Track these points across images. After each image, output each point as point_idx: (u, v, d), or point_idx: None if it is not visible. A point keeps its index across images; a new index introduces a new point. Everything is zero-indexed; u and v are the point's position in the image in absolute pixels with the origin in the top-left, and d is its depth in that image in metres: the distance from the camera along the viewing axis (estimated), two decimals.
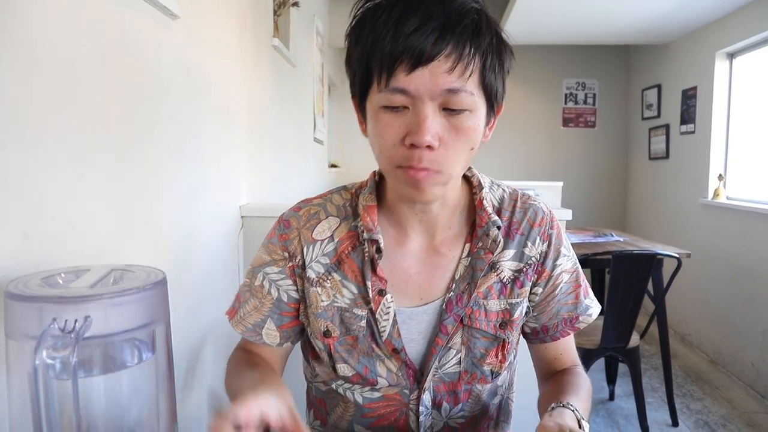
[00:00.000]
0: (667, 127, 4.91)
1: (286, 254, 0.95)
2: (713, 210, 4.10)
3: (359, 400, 0.97)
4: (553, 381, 1.00)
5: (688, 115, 4.52)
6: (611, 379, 3.25)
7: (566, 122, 5.92)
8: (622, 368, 3.24)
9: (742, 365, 3.63)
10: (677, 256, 2.64)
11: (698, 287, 4.20)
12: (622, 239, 3.38)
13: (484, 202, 0.94)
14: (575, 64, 5.82)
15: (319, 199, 0.99)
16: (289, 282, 0.96)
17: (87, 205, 1.02)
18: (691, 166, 4.49)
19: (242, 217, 2.00)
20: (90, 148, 1.04)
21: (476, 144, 0.84)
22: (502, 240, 0.94)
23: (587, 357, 2.62)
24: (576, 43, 5.29)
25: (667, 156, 4.93)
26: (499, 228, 0.93)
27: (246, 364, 0.94)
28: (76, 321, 0.53)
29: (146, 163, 1.27)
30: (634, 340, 2.69)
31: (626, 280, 2.55)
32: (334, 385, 0.99)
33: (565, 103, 5.91)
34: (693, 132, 4.45)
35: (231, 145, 1.95)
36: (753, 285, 3.55)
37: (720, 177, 4.05)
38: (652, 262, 2.54)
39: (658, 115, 5.10)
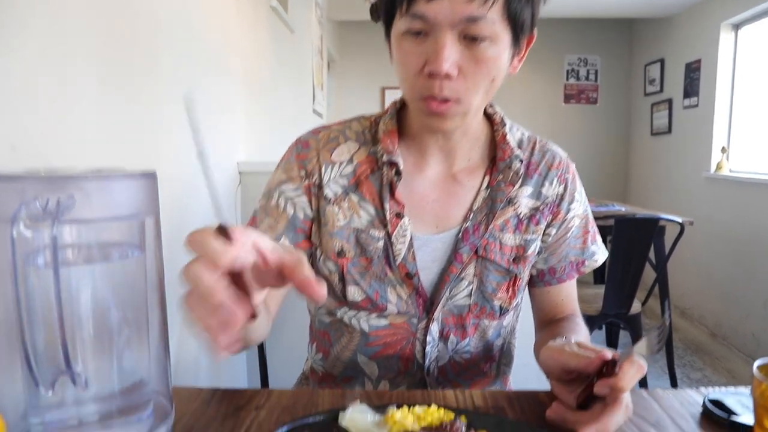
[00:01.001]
0: (669, 101, 4.87)
1: (303, 172, 0.94)
2: (716, 183, 4.07)
3: (365, 327, 0.95)
4: (552, 325, 0.99)
5: (691, 89, 4.47)
6: (612, 347, 3.24)
7: (568, 99, 5.87)
8: (623, 338, 3.24)
9: (743, 336, 3.62)
10: (680, 221, 2.61)
11: (700, 260, 4.18)
12: (624, 209, 3.35)
13: (507, 136, 0.94)
14: (577, 40, 5.76)
15: (338, 125, 0.98)
16: (305, 200, 0.94)
17: (77, 134, 1.00)
18: (693, 140, 4.45)
19: (240, 173, 1.97)
20: (83, 73, 1.01)
21: (499, 75, 0.83)
22: (523, 171, 0.94)
23: (588, 324, 2.57)
24: (578, 16, 5.23)
25: (669, 131, 4.89)
26: (521, 162, 0.93)
27: None
28: (58, 198, 0.50)
29: (144, 99, 1.24)
30: (636, 307, 2.67)
31: (628, 246, 2.53)
32: (338, 314, 0.97)
33: (567, 80, 5.86)
34: (696, 106, 4.40)
35: (228, 101, 1.92)
36: (755, 256, 3.53)
37: (723, 150, 4.01)
38: (655, 227, 2.51)
39: (661, 90, 5.05)
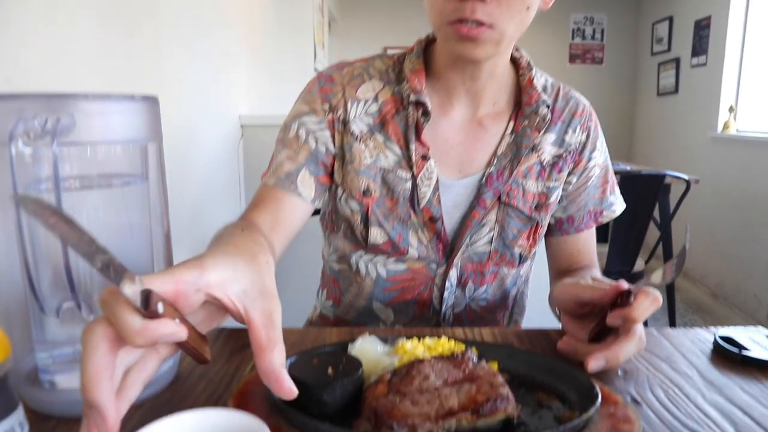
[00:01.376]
0: (677, 60, 4.78)
1: (327, 106, 0.90)
2: (722, 142, 4.03)
3: (382, 272, 0.94)
4: (568, 275, 0.97)
5: (700, 47, 4.39)
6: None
7: (573, 59, 5.78)
8: None
9: (745, 296, 3.63)
10: (686, 178, 2.59)
11: (703, 220, 4.17)
12: (629, 167, 3.32)
13: (534, 81, 0.91)
14: None
15: (361, 62, 0.94)
16: (328, 134, 0.90)
17: (73, 66, 0.97)
18: (701, 100, 4.38)
19: (242, 126, 1.94)
20: (81, 6, 0.98)
21: (533, 4, 0.79)
22: (550, 118, 0.91)
23: None
24: None
25: (676, 91, 4.82)
26: (548, 107, 0.90)
27: (231, 227, 0.72)
28: (57, 117, 0.48)
29: (144, 34, 1.21)
30: (639, 265, 2.67)
31: (633, 204, 2.50)
32: (353, 259, 0.95)
33: (572, 39, 5.75)
34: (705, 64, 4.33)
35: (229, 53, 1.88)
36: (759, 216, 3.51)
37: (731, 109, 3.96)
38: (661, 183, 2.49)
39: (668, 49, 4.96)
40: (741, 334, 0.76)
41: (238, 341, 0.76)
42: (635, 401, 0.60)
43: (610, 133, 5.84)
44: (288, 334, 0.78)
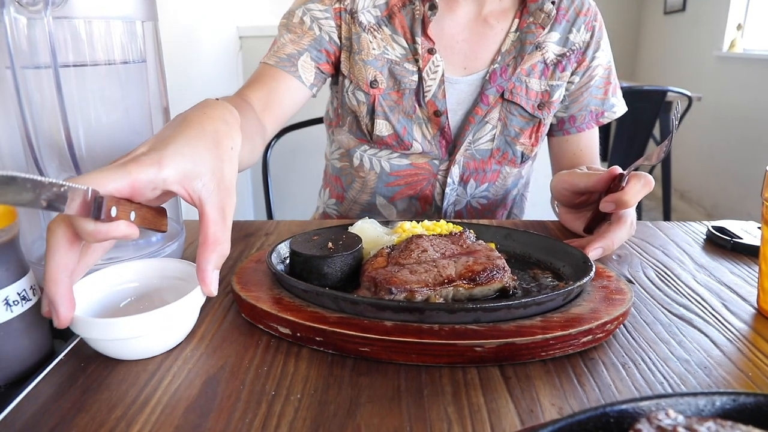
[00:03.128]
0: None
1: None
2: (727, 62, 3.94)
3: (386, 167, 0.95)
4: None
5: None
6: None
7: None
8: None
9: (739, 217, 3.66)
10: (689, 94, 2.56)
11: (704, 141, 4.14)
12: (631, 86, 3.27)
13: None
14: None
15: None
16: (333, 24, 0.90)
17: None
18: (708, 18, 4.25)
19: (240, 37, 1.89)
20: None
21: None
22: (555, 15, 0.90)
23: None
24: None
25: (683, 8, 4.66)
26: (553, 3, 0.89)
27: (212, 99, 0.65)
28: None
29: None
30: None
31: (634, 119, 2.49)
32: (357, 153, 0.96)
33: None
34: None
35: None
36: (759, 136, 3.49)
37: (739, 27, 3.84)
38: (663, 99, 2.46)
39: None
40: (734, 225, 0.77)
41: (241, 231, 0.77)
42: (628, 280, 0.62)
43: (614, 51, 5.71)
44: (289, 225, 0.80)
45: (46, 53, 0.50)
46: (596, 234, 0.67)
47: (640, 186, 0.63)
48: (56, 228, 0.41)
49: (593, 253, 0.63)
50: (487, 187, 0.98)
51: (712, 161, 4.05)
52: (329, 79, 0.97)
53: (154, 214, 0.47)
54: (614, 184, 0.65)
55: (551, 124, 1.00)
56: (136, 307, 0.51)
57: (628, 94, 2.43)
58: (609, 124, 3.42)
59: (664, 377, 0.44)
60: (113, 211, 0.41)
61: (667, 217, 3.05)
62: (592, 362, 0.46)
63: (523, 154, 0.96)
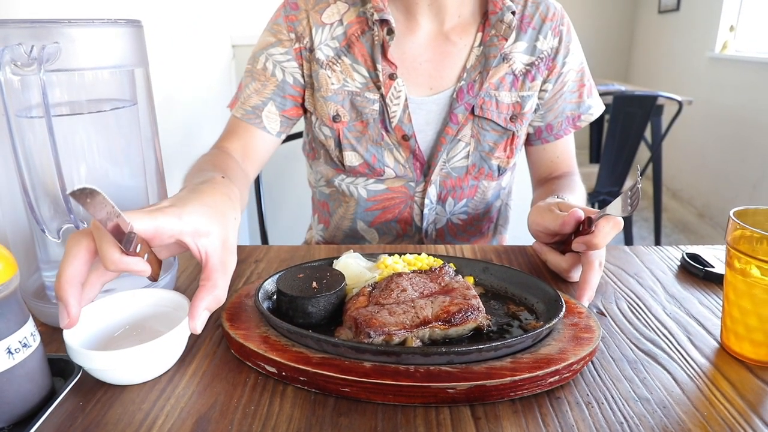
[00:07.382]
0: None
1: (293, 35, 0.92)
2: (719, 63, 3.97)
3: (363, 193, 0.97)
4: (548, 183, 1.00)
5: None
6: None
7: None
8: None
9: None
10: (679, 99, 2.58)
11: (695, 141, 4.18)
12: (623, 88, 3.30)
13: None
14: None
15: None
16: (295, 65, 0.92)
17: None
18: (702, 18, 4.27)
19: (233, 46, 1.91)
20: None
21: None
22: (516, 25, 0.91)
23: None
24: None
25: (677, 8, 4.68)
26: (513, 13, 0.89)
27: (210, 164, 0.79)
28: (43, 45, 0.49)
29: None
30: (628, 185, 2.71)
31: (625, 124, 2.51)
32: (336, 182, 0.98)
33: None
34: None
35: None
36: (750, 137, 3.52)
37: (731, 28, 3.87)
38: (653, 104, 2.48)
39: None
40: (707, 252, 0.80)
41: None
42: (600, 313, 0.65)
43: (608, 52, 5.74)
44: (278, 251, 0.83)
45: (39, 103, 0.52)
46: (579, 287, 0.67)
47: (609, 228, 0.65)
48: (81, 239, 0.47)
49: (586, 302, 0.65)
50: (466, 203, 0.99)
51: (704, 160, 4.09)
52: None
53: (156, 262, 0.53)
54: (583, 227, 0.67)
55: (528, 134, 1.01)
56: (130, 335, 0.57)
57: (619, 99, 2.47)
58: (601, 127, 3.45)
59: (624, 417, 0.47)
60: (138, 248, 0.47)
61: (657, 216, 3.08)
62: (558, 402, 0.49)
63: (499, 167, 0.97)
